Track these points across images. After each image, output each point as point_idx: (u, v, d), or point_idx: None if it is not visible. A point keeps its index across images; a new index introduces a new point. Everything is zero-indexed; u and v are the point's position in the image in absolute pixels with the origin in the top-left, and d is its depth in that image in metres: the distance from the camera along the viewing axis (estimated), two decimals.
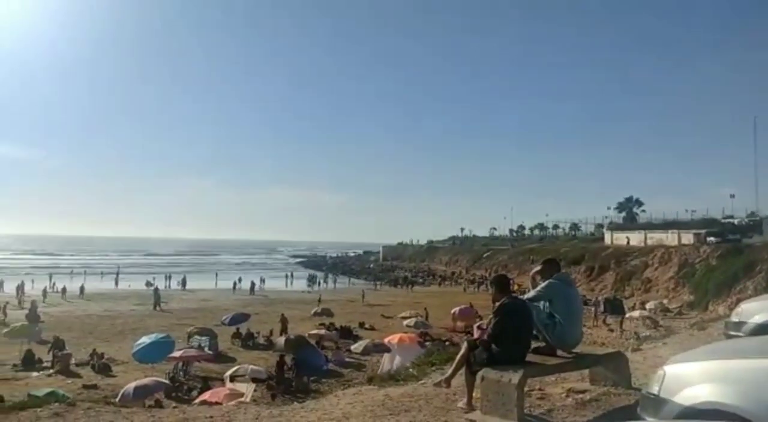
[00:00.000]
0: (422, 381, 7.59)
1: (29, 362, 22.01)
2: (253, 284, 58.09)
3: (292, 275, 76.92)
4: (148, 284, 59.27)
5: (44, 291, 47.89)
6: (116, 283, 61.99)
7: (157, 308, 40.98)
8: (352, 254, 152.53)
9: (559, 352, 5.84)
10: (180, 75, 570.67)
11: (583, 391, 6.05)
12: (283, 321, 31.05)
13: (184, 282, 60.01)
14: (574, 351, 5.95)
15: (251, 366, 19.02)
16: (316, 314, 35.71)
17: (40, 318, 31.05)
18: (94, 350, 23.35)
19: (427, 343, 25.62)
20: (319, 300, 43.29)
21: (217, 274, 71.70)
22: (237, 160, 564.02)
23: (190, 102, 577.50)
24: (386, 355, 22.18)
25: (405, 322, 31.68)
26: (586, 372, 6.45)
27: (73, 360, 22.30)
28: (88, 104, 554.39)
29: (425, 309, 38.05)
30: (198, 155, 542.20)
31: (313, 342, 24.33)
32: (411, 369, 9.14)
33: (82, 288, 50.13)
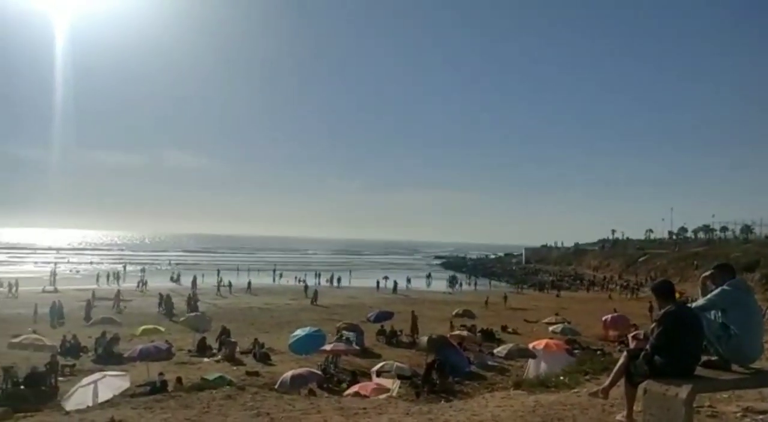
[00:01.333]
0: (575, 390, 7.27)
1: (202, 349, 24.59)
2: (395, 283, 59.54)
3: (430, 276, 77.50)
4: (300, 281, 63.55)
5: (220, 284, 53.61)
6: (274, 279, 67.03)
7: (314, 303, 43.94)
8: (493, 256, 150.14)
9: (735, 367, 5.25)
10: (325, 80, 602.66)
11: (764, 412, 5.40)
12: (414, 319, 31.28)
13: (334, 280, 64.45)
14: (752, 366, 5.32)
15: (396, 363, 19.52)
16: (457, 315, 35.68)
17: (198, 309, 34.98)
18: (256, 340, 25.44)
19: (576, 351, 24.42)
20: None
21: (348, 272, 74.47)
22: (382, 162, 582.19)
23: (339, 107, 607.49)
24: (531, 361, 21.54)
25: (550, 328, 30.50)
26: (767, 391, 5.75)
27: (237, 349, 24.47)
28: (245, 117, 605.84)
29: (565, 319, 36.26)
30: (343, 158, 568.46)
31: (455, 343, 24.34)
32: (562, 377, 8.79)
33: (249, 284, 54.96)
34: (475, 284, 72.54)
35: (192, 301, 38.48)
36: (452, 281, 69.46)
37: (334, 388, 18.26)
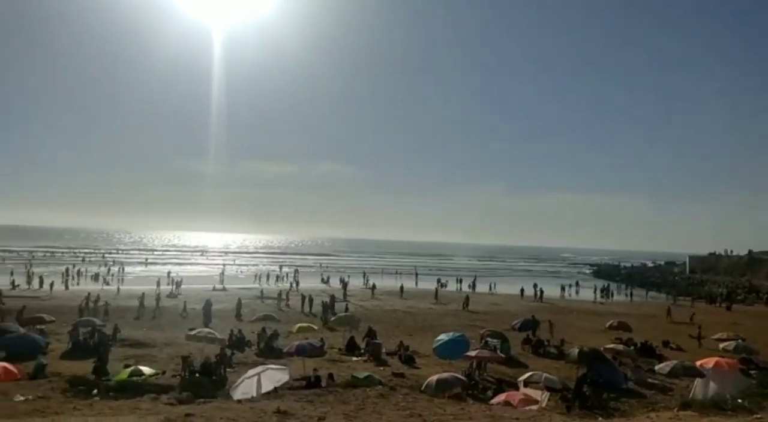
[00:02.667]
0: (758, 416, 6.46)
1: (351, 348, 25.65)
2: (541, 291, 57.43)
3: (578, 284, 73.53)
4: (441, 284, 63.80)
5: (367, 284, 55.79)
6: (416, 283, 68.10)
7: (466, 308, 43.84)
8: (650, 264, 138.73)
9: None
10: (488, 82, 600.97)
11: None
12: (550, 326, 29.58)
13: (465, 284, 64.19)
14: None
15: (545, 374, 18.79)
16: (611, 327, 33.47)
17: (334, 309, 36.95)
18: (401, 342, 25.98)
19: (752, 371, 21.72)
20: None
21: (491, 278, 72.86)
22: (525, 165, 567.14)
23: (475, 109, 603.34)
24: (698, 380, 19.53)
25: (721, 345, 27.44)
26: None
27: (383, 350, 25.16)
28: (387, 124, 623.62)
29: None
30: (486, 162, 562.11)
31: (609, 356, 22.85)
32: (740, 400, 7.85)
33: (402, 289, 55.24)
34: (630, 294, 67.53)
35: (332, 302, 40.26)
36: (605, 290, 65.33)
37: (478, 395, 18.02)
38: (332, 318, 32.11)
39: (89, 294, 37.60)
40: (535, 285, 60.09)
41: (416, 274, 76.30)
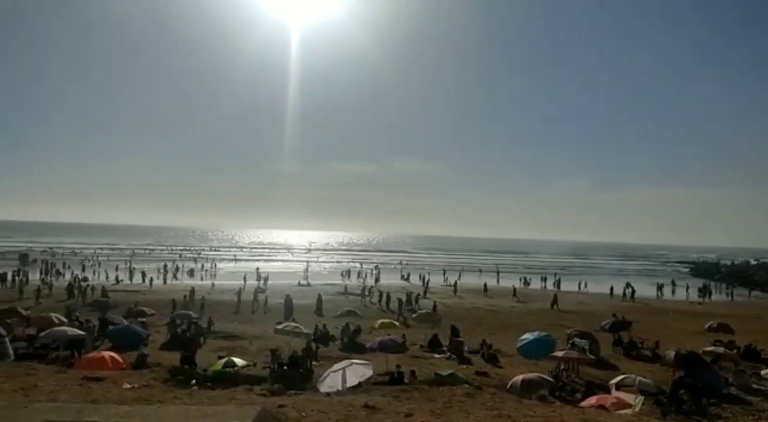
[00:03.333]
0: None
1: (433, 345, 25.61)
2: (633, 290, 54.78)
3: (674, 283, 69.43)
4: (525, 282, 62.30)
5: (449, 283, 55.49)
6: (497, 281, 66.99)
7: (555, 307, 42.69)
8: (754, 262, 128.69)
9: None
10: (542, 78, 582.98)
11: None
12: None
13: (552, 282, 62.16)
14: None
15: (639, 378, 17.89)
16: (711, 329, 31.35)
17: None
18: (484, 340, 25.64)
19: None
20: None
21: (577, 276, 70.12)
22: (611, 159, 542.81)
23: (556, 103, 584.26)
24: None
25: None
26: None
27: (465, 348, 24.93)
28: (466, 120, 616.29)
29: None
30: (570, 157, 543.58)
31: (708, 360, 21.41)
32: None
33: (485, 287, 54.74)
34: (731, 294, 62.99)
35: (409, 299, 40.37)
36: (703, 289, 61.33)
37: (567, 397, 17.43)
38: (413, 316, 32.25)
39: (193, 289, 39.93)
40: (627, 284, 57.34)
41: (498, 272, 75.04)
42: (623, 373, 19.75)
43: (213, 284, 49.97)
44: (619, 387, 17.45)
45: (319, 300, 38.26)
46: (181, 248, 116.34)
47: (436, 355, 24.14)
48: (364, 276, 65.76)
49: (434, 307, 37.24)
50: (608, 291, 56.08)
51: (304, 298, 39.90)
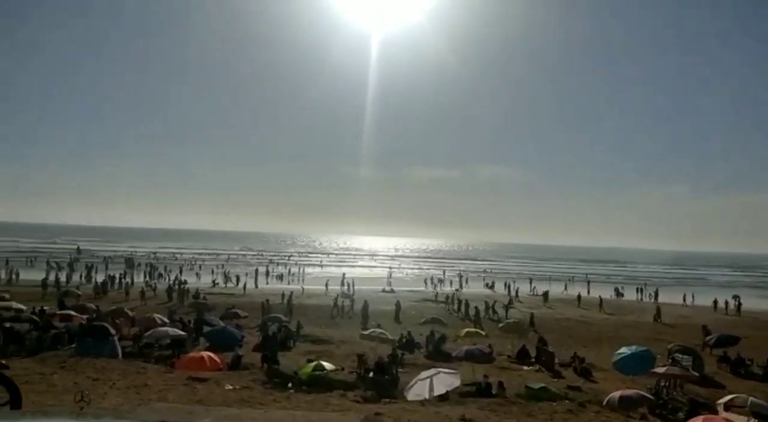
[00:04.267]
0: None
1: (522, 355, 24.93)
2: (739, 303, 50.73)
3: None
4: (618, 293, 59.38)
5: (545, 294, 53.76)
6: (588, 291, 64.23)
7: (658, 320, 40.63)
8: None
9: None
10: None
11: None
12: None
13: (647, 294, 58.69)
14: None
15: (751, 398, 16.49)
16: None
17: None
18: (575, 353, 24.65)
19: None
20: None
21: (679, 287, 65.58)
22: (715, 163, 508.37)
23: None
24: None
25: None
26: None
27: (556, 360, 24.06)
28: (552, 124, 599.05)
29: None
30: (665, 161, 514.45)
31: None
32: None
33: (579, 298, 51.39)
34: None
35: (487, 307, 39.60)
36: None
37: (668, 416, 16.40)
38: (499, 325, 31.58)
39: (292, 293, 41.32)
40: (734, 297, 53.18)
41: (588, 282, 71.98)
42: (731, 392, 18.30)
43: (303, 289, 51.42)
44: (728, 407, 16.18)
45: (398, 306, 38.39)
46: (271, 254, 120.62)
47: (525, 367, 23.49)
48: (446, 283, 65.27)
49: (531, 319, 35.64)
50: (711, 303, 52.21)
51: (387, 304, 40.13)
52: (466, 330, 28.29)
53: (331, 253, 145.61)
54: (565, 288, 63.58)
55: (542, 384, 17.47)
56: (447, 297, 46.13)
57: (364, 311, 35.83)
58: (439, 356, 24.51)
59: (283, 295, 41.03)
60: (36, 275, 51.45)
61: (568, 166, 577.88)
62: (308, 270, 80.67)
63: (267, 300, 37.15)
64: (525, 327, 29.54)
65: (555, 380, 21.12)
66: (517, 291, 53.69)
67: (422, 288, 57.58)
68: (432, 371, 16.13)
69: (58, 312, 29.16)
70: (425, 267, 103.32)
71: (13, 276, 49.89)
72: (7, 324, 23.96)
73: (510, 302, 45.30)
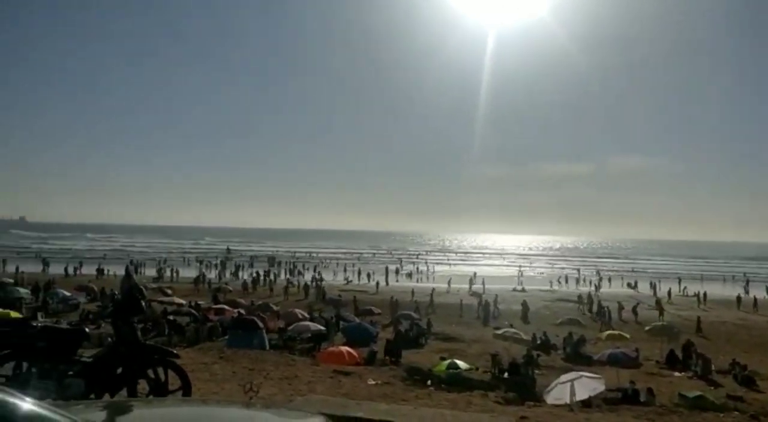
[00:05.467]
0: None
1: (671, 361, 23.06)
2: None
3: None
4: None
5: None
6: (746, 291, 57.84)
7: None
8: None
9: None
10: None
11: None
12: None
13: None
14: None
15: None
16: None
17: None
18: (734, 360, 22.32)
19: None
20: None
21: None
22: None
23: None
24: None
25: None
26: None
27: (712, 367, 21.96)
28: (696, 112, 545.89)
29: None
30: None
31: None
32: None
33: (738, 299, 46.47)
34: None
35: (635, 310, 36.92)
36: None
37: None
38: (646, 328, 29.45)
39: (434, 290, 42.02)
40: None
41: (746, 281, 64.77)
42: None
43: (433, 288, 51.81)
44: None
45: (525, 306, 37.27)
46: (400, 252, 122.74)
47: (676, 373, 21.71)
48: (582, 282, 62.21)
49: (698, 324, 32.81)
50: None
51: (518, 304, 39.07)
52: (608, 332, 26.70)
53: (459, 252, 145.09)
54: (723, 288, 57.81)
55: (698, 393, 15.99)
56: (580, 297, 43.89)
57: (486, 310, 35.47)
58: (578, 359, 23.47)
59: (413, 292, 41.63)
60: (188, 273, 56.81)
61: (716, 154, 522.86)
62: (437, 268, 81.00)
63: (430, 298, 37.97)
64: (675, 331, 27.22)
65: (711, 388, 19.27)
66: (669, 292, 49.75)
67: (556, 288, 55.38)
68: (573, 374, 15.46)
69: (213, 306, 32.04)
70: (559, 265, 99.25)
71: (174, 274, 55.62)
72: (171, 317, 26.79)
73: (658, 303, 41.98)
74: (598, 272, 72.47)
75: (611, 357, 20.43)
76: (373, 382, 10.60)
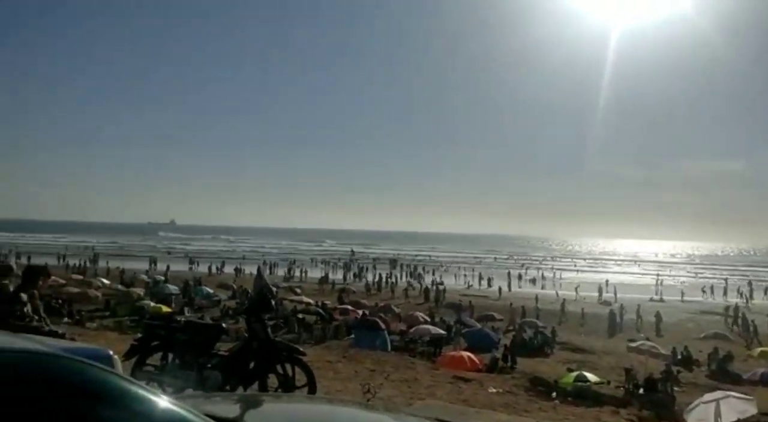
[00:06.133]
0: None
1: None
2: None
3: None
4: None
5: None
6: None
7: None
8: None
9: None
10: None
11: None
12: None
13: None
14: None
15: None
16: None
17: None
18: None
19: None
20: None
21: None
22: None
23: None
24: None
25: None
26: None
27: None
28: None
29: None
30: None
31: None
32: None
33: None
34: None
35: None
36: None
37: None
38: None
39: (564, 299, 40.55)
40: None
41: None
42: None
43: (557, 293, 49.76)
44: None
45: (658, 318, 34.43)
46: (524, 258, 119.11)
47: None
48: (731, 293, 56.32)
49: None
50: None
51: (653, 315, 36.19)
52: (761, 348, 23.96)
53: (588, 257, 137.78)
54: None
55: None
56: (726, 309, 39.68)
57: (612, 321, 33.30)
58: (724, 377, 21.34)
59: (536, 299, 40.25)
60: (314, 274, 59.39)
61: None
62: (563, 275, 77.61)
63: (511, 304, 36.86)
64: None
65: None
66: None
67: (700, 298, 50.64)
68: (718, 393, 14.03)
69: (338, 306, 33.28)
70: (704, 274, 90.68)
71: (303, 274, 58.59)
72: (300, 316, 28.24)
73: None
74: (749, 282, 65.16)
75: (764, 377, 18.27)
76: (494, 390, 10.37)
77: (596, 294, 49.32)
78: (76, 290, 32.96)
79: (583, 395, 15.08)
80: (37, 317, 6.16)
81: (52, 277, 28.34)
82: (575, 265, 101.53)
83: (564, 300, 41.61)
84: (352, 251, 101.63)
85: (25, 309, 6.11)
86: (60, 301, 27.82)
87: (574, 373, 17.82)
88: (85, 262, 58.75)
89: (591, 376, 17.63)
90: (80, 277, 42.68)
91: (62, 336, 5.66)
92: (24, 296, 6.17)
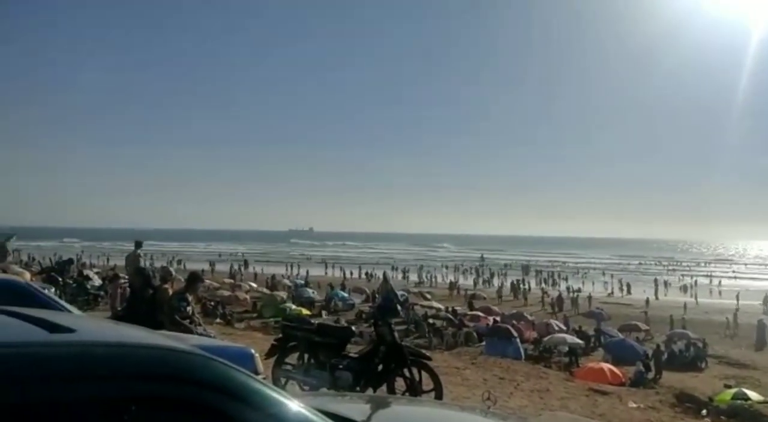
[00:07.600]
0: None
1: None
2: None
3: None
4: None
5: None
6: None
7: None
8: None
9: None
10: None
11: None
12: None
13: None
14: None
15: None
16: None
17: None
18: None
19: None
20: None
21: None
22: None
23: None
24: None
25: None
26: None
27: None
28: None
29: None
30: None
31: None
32: None
33: None
34: None
35: None
36: None
37: None
38: None
39: (737, 310, 37.05)
40: None
41: None
42: None
43: (697, 302, 45.33)
44: None
45: (762, 328, 29.82)
46: (675, 263, 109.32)
47: None
48: None
49: None
50: None
51: None
52: None
53: (750, 263, 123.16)
54: None
55: None
56: None
57: (761, 333, 29.34)
58: None
59: (685, 307, 36.87)
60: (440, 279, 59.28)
61: None
62: (719, 282, 70.19)
63: (646, 313, 33.94)
64: None
65: None
66: None
67: None
68: None
69: (468, 312, 32.96)
70: None
71: (432, 279, 58.93)
72: (431, 321, 28.38)
73: None
74: None
75: None
76: (635, 405, 9.66)
77: (759, 302, 43.97)
78: (227, 293, 36.07)
79: (740, 414, 13.51)
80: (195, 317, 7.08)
81: (207, 281, 31.55)
82: (733, 271, 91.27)
83: (737, 309, 37.56)
84: (482, 256, 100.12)
85: (189, 308, 7.20)
86: (213, 303, 30.54)
87: (733, 390, 16.05)
88: (240, 267, 63.76)
89: (753, 394, 15.76)
90: (231, 281, 46.49)
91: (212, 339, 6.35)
92: (190, 297, 7.41)
